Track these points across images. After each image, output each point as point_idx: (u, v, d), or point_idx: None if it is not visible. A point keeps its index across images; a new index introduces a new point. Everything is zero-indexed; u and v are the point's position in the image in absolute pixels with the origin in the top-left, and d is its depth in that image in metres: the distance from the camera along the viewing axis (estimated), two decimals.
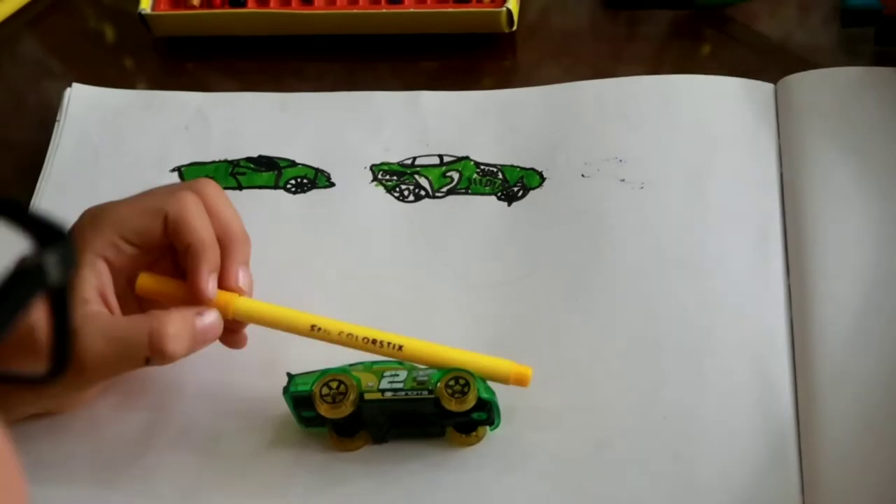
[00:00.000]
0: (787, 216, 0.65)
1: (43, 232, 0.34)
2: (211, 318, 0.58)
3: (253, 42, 0.78)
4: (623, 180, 0.67)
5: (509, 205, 0.68)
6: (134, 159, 0.72)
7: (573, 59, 0.76)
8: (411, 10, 0.75)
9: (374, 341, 0.58)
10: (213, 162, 0.71)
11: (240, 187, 0.70)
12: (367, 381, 0.57)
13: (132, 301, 0.60)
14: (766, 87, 0.70)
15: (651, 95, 0.71)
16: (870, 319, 0.61)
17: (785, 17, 0.76)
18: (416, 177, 0.69)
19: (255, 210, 0.68)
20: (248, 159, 0.71)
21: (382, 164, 0.70)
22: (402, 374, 0.57)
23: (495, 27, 0.75)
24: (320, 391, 0.57)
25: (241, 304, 0.59)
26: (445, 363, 0.57)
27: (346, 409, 0.57)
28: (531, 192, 0.68)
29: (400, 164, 0.70)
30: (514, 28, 0.75)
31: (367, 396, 0.57)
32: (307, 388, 0.57)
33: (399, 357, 0.58)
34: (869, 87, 0.69)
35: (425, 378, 0.57)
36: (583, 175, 0.68)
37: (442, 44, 0.76)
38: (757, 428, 0.58)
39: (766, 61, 0.73)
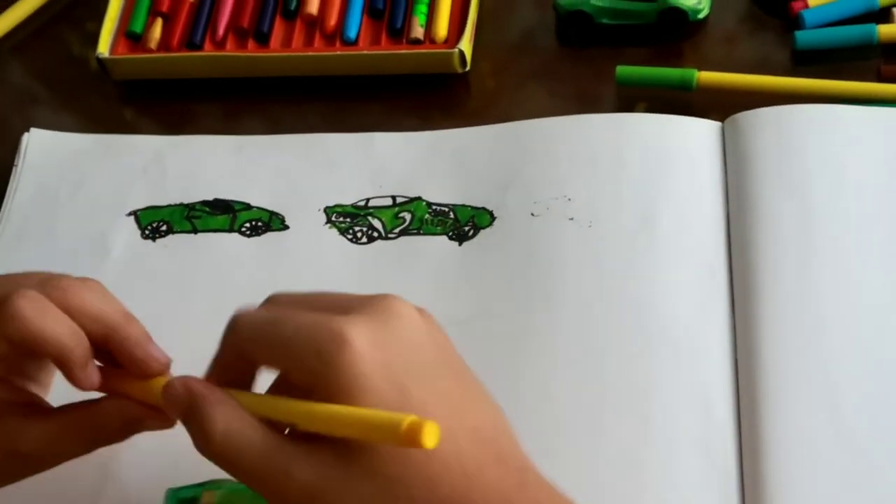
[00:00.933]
0: (734, 255, 0.66)
1: None
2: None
3: (211, 84, 0.78)
4: (572, 219, 0.67)
5: (460, 244, 0.68)
6: (91, 204, 0.72)
7: (538, 97, 0.76)
8: (365, 52, 0.76)
9: None
10: (169, 206, 0.71)
11: (195, 231, 0.70)
12: None
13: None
14: (713, 126, 0.71)
15: (599, 133, 0.71)
16: (814, 359, 0.61)
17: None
18: (370, 218, 0.70)
19: (211, 253, 0.69)
20: (204, 202, 0.72)
21: (336, 206, 0.71)
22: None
23: (448, 68, 0.76)
24: None
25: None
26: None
27: None
28: (482, 232, 0.68)
29: (353, 205, 0.71)
30: (468, 69, 0.76)
31: None
32: None
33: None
34: (815, 125, 0.69)
35: None
36: (532, 214, 0.68)
37: (399, 84, 0.77)
38: (701, 472, 0.58)
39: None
